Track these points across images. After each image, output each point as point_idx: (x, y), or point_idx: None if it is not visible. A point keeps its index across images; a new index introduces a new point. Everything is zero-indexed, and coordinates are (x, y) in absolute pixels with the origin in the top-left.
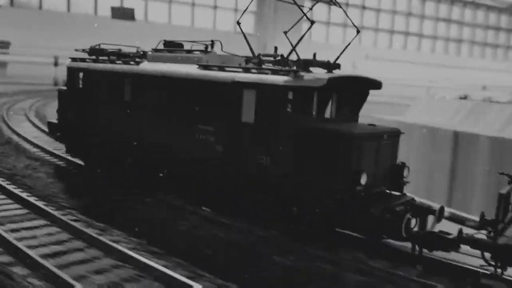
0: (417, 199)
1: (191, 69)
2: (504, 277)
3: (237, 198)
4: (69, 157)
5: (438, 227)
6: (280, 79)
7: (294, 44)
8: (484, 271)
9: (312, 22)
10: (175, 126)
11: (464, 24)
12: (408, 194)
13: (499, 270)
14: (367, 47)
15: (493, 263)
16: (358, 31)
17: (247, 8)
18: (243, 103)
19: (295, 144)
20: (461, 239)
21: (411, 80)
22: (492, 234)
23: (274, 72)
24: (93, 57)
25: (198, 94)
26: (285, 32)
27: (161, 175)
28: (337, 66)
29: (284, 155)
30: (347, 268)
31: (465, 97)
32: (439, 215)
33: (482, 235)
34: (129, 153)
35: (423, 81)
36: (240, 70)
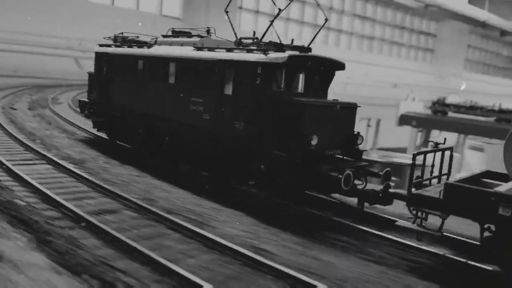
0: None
1: (187, 51)
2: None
3: (219, 158)
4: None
5: None
6: (252, 56)
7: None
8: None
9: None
10: (175, 99)
11: (377, 22)
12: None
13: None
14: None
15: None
16: (326, 20)
17: None
18: (225, 78)
19: (262, 111)
20: (387, 193)
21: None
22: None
23: (249, 51)
24: (117, 43)
25: (192, 71)
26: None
27: (163, 145)
28: (309, 50)
29: (253, 120)
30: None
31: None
32: (384, 178)
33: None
34: (140, 124)
35: (342, 77)
36: (224, 50)
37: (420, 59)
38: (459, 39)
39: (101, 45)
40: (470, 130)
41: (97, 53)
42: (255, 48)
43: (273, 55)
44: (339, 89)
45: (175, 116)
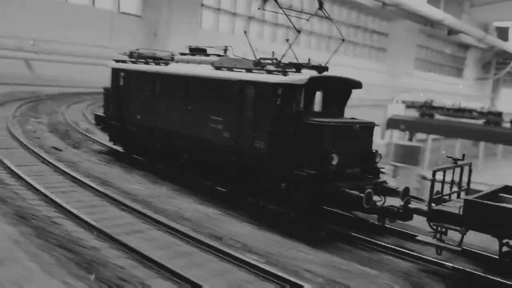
0: (389, 183)
1: (207, 70)
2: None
3: (238, 175)
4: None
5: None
6: (272, 78)
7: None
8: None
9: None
10: (194, 117)
11: (334, 21)
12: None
13: (438, 234)
14: (254, 39)
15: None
16: (343, 40)
17: None
18: (245, 98)
19: (283, 130)
20: (407, 209)
21: None
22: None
23: (269, 72)
24: (133, 59)
25: (211, 90)
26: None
27: (182, 160)
28: (325, 69)
29: (274, 140)
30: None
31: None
32: (404, 195)
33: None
34: (158, 140)
35: None
36: (244, 70)
37: (374, 58)
38: (409, 38)
39: (117, 61)
40: (458, 133)
41: (113, 69)
42: (274, 69)
43: (293, 76)
44: None
45: (195, 133)
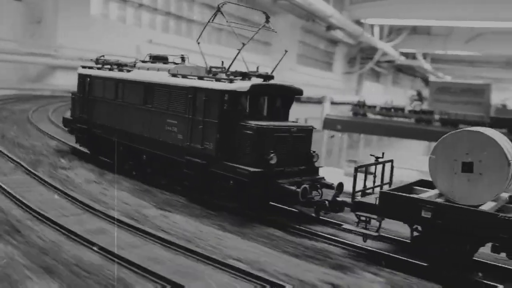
0: (326, 179)
1: (164, 77)
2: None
3: (193, 176)
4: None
5: None
6: (220, 85)
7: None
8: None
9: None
10: (152, 120)
11: (225, 14)
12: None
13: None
14: (148, 31)
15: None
16: (286, 51)
17: None
18: (196, 103)
19: (229, 133)
20: (336, 202)
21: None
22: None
23: (218, 80)
24: (98, 65)
25: (167, 95)
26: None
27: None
28: (271, 77)
29: (221, 141)
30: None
31: None
32: (338, 189)
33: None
34: (120, 142)
35: None
36: (196, 78)
37: (261, 52)
38: (292, 33)
39: (83, 67)
40: (391, 132)
41: (79, 74)
42: (223, 77)
43: (238, 84)
44: None
45: (152, 135)
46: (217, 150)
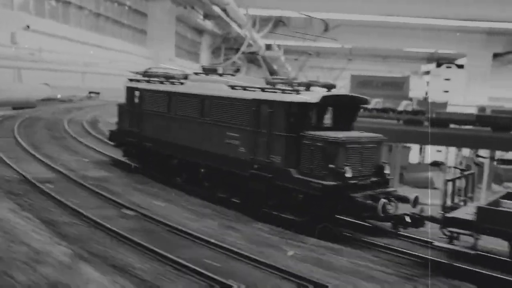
0: (399, 191)
1: (223, 89)
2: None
3: (257, 190)
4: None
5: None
6: (286, 97)
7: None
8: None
9: None
10: (210, 133)
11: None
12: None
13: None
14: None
15: (446, 233)
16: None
17: None
18: (261, 115)
19: (297, 146)
20: (423, 217)
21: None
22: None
23: (283, 91)
24: (146, 78)
25: (228, 108)
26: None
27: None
28: (333, 86)
29: (290, 154)
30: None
31: None
32: (414, 203)
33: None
34: (174, 156)
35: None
36: (259, 90)
37: (137, 41)
38: (168, 21)
39: (131, 80)
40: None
41: (128, 87)
42: (288, 88)
43: (306, 95)
44: (74, 81)
45: (211, 149)
46: (286, 163)
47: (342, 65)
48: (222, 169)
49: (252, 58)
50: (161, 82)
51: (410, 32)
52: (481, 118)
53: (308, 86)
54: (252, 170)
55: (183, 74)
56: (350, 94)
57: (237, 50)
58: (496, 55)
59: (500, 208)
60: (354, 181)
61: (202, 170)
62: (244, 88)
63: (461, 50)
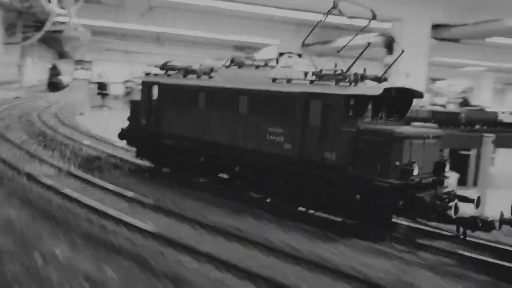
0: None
1: (261, 83)
2: None
3: (304, 188)
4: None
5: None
6: (343, 89)
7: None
8: None
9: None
10: (247, 129)
11: None
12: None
13: None
14: None
15: None
16: (403, 51)
17: None
18: (310, 110)
19: (356, 141)
20: (503, 220)
21: None
22: None
23: (337, 83)
24: (167, 72)
25: (269, 102)
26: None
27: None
28: (385, 79)
29: (347, 150)
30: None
31: None
32: (477, 203)
33: None
34: (202, 153)
35: None
36: (307, 82)
37: None
38: None
39: (147, 74)
40: None
41: (144, 82)
42: (340, 80)
43: (366, 87)
44: None
45: (249, 145)
46: (342, 160)
47: (150, 50)
48: (262, 166)
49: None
50: (185, 76)
51: (221, 18)
52: None
53: (362, 78)
54: (301, 168)
55: (207, 66)
56: (408, 87)
57: (39, 27)
58: (303, 45)
59: None
60: (418, 180)
61: (237, 168)
62: (288, 81)
63: (273, 40)
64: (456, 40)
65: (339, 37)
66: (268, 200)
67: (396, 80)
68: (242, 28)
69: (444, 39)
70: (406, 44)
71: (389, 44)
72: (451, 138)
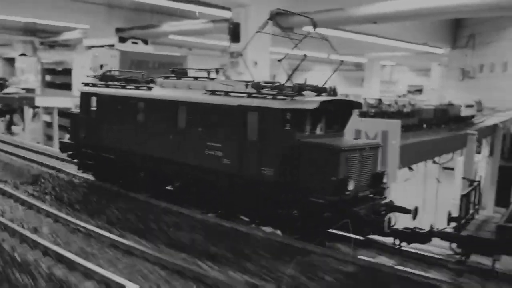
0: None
1: (200, 94)
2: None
3: (244, 204)
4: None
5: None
6: (280, 103)
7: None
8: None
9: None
10: (186, 143)
11: None
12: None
13: (463, 257)
14: None
15: (458, 251)
16: (342, 62)
17: None
18: (248, 124)
19: (293, 156)
20: (433, 233)
21: None
22: (456, 228)
23: (274, 97)
24: (106, 82)
25: (207, 115)
26: (280, 60)
27: (170, 187)
28: (324, 90)
29: (284, 166)
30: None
31: None
32: (414, 214)
33: (449, 229)
34: (142, 167)
35: None
36: (245, 95)
37: None
38: None
39: (86, 84)
40: None
41: (82, 93)
42: (278, 93)
43: (302, 101)
44: None
45: (188, 160)
46: (280, 176)
47: None
48: (202, 182)
49: None
50: (124, 87)
51: None
52: None
53: (300, 90)
54: (238, 184)
55: (147, 77)
56: (346, 99)
57: None
58: (118, 30)
59: None
60: (355, 193)
61: (177, 183)
62: (227, 93)
63: (84, 23)
64: (290, 29)
65: (160, 21)
66: (210, 215)
67: (244, 69)
68: (35, 7)
69: (286, 28)
70: (251, 31)
71: (233, 32)
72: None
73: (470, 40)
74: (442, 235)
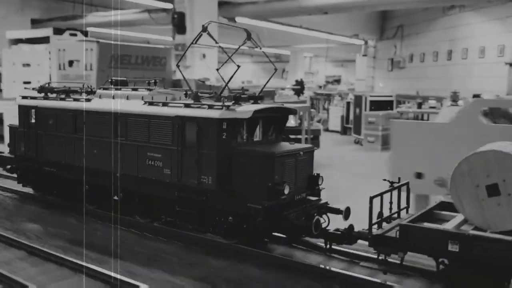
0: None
1: (137, 105)
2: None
3: (182, 212)
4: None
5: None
6: (215, 113)
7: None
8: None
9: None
10: (127, 155)
11: None
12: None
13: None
14: None
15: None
16: (276, 69)
17: None
18: (186, 134)
19: (230, 164)
20: (351, 235)
21: None
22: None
23: (210, 107)
24: (44, 95)
25: (146, 126)
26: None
27: (116, 198)
28: (261, 98)
29: (221, 173)
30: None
31: None
32: (346, 214)
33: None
34: (85, 180)
35: None
36: (182, 105)
37: None
38: None
39: (24, 97)
40: None
41: (21, 106)
42: (215, 103)
43: (237, 111)
44: None
45: (130, 172)
46: (217, 184)
47: None
48: (144, 193)
49: None
50: (62, 99)
51: None
52: None
53: (237, 99)
54: (179, 193)
55: (87, 88)
56: (279, 106)
57: None
58: (34, 21)
59: (422, 225)
60: (291, 198)
61: (121, 194)
62: (164, 104)
63: None
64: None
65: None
66: (155, 224)
67: (193, 62)
68: None
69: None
70: (197, 22)
71: (178, 22)
72: None
73: (398, 31)
74: (360, 235)
